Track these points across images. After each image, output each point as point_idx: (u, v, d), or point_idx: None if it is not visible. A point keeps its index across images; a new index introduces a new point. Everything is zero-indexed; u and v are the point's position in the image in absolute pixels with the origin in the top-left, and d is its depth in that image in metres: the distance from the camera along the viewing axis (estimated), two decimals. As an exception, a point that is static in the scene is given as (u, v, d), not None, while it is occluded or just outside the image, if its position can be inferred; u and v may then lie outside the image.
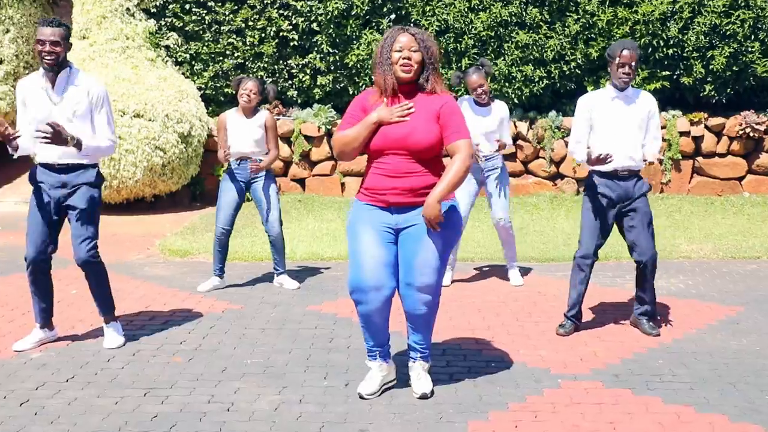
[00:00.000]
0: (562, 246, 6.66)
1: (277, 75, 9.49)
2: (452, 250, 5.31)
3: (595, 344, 4.10)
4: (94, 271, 4.03)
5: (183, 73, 9.45)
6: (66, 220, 4.03)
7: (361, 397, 3.37)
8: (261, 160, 5.25)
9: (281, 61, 9.47)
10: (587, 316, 4.60)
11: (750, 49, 8.79)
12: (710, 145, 9.12)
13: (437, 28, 9.04)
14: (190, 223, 7.93)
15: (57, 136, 3.71)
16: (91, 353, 3.99)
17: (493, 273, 5.78)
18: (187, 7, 9.40)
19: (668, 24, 8.83)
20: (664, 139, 8.98)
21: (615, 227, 4.34)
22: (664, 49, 8.85)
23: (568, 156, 8.99)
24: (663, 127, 8.97)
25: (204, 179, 9.31)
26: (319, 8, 9.12)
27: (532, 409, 3.26)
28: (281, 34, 9.35)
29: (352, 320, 4.50)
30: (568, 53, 8.99)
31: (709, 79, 8.93)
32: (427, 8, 9.08)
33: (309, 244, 6.82)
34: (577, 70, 9.07)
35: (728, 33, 8.75)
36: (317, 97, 9.50)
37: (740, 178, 9.21)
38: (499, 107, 5.31)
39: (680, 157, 9.09)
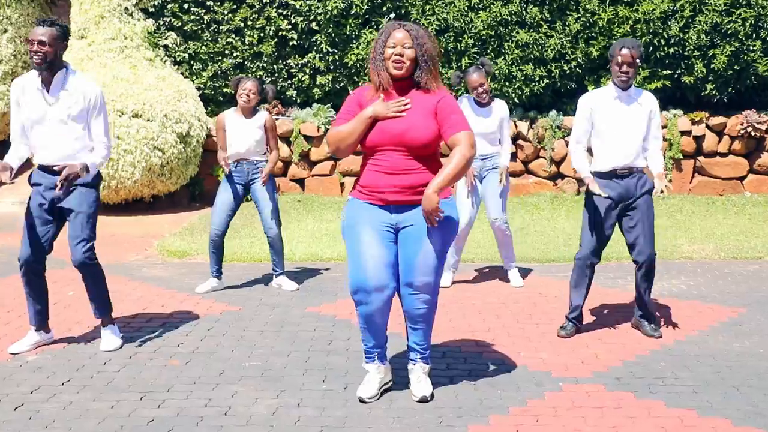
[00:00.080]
0: (562, 246, 6.62)
1: (277, 75, 9.45)
2: (458, 250, 5.34)
3: (597, 346, 4.06)
4: (91, 273, 3.99)
5: (182, 73, 9.41)
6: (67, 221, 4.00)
7: (362, 401, 3.33)
8: (258, 161, 5.22)
9: (280, 61, 9.43)
10: (588, 317, 4.56)
11: (751, 48, 8.75)
12: (711, 144, 9.08)
13: (437, 27, 8.99)
14: (189, 224, 7.89)
15: (73, 178, 3.72)
16: (87, 356, 3.95)
17: (494, 274, 5.74)
18: (186, 6, 9.36)
19: (669, 23, 8.79)
20: (665, 139, 8.93)
21: (614, 231, 4.30)
22: (665, 48, 8.81)
23: (569, 155, 8.94)
24: (664, 127, 8.93)
25: (203, 179, 9.27)
26: (318, 7, 9.08)
27: (534, 413, 3.22)
28: (280, 33, 9.31)
29: (351, 322, 4.46)
30: (569, 52, 8.95)
31: (710, 78, 8.89)
32: (427, 7, 9.04)
33: (308, 244, 6.78)
34: (577, 69, 9.03)
35: (729, 32, 8.71)
36: (317, 96, 9.46)
37: (741, 178, 9.17)
38: (500, 107, 5.26)
39: (681, 157, 9.05)
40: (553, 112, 9.14)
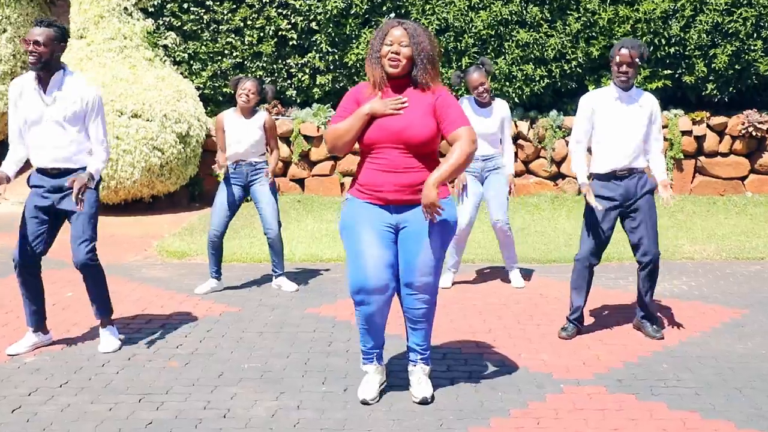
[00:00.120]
0: (563, 247, 6.60)
1: (276, 74, 9.43)
2: (458, 250, 5.32)
3: (598, 348, 4.04)
4: (93, 274, 3.97)
5: (181, 73, 9.38)
6: (67, 222, 3.98)
7: (365, 403, 3.30)
8: (257, 163, 5.19)
9: (280, 61, 9.40)
10: (589, 318, 4.54)
11: (752, 48, 8.72)
12: (712, 144, 9.05)
13: (437, 27, 8.97)
14: (189, 224, 7.87)
15: (82, 189, 3.72)
16: (85, 357, 3.93)
17: (494, 275, 5.72)
18: (186, 6, 9.33)
19: (670, 22, 8.76)
20: (666, 139, 8.91)
21: (619, 229, 4.28)
22: (666, 48, 8.78)
23: (569, 156, 8.92)
24: (665, 126, 8.90)
25: (202, 179, 9.24)
26: (318, 7, 9.05)
27: (535, 416, 3.19)
28: (280, 33, 9.29)
29: (351, 323, 4.44)
30: (569, 52, 8.92)
31: (711, 77, 8.86)
32: (427, 7, 9.02)
33: (308, 245, 6.75)
34: (578, 69, 9.00)
35: (730, 31, 8.68)
36: (316, 96, 9.44)
37: (743, 178, 9.14)
38: (500, 107, 5.24)
39: (682, 157, 9.02)
40: (553, 112, 9.12)
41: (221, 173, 5.08)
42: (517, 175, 9.08)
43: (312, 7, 9.08)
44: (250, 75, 9.22)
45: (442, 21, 8.96)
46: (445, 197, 3.24)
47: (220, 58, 9.40)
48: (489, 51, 9.00)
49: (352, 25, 9.08)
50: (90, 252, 3.90)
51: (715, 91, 8.92)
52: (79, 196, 3.70)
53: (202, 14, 9.32)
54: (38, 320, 4.04)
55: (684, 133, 9.00)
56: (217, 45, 9.36)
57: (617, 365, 3.77)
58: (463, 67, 8.82)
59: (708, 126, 9.04)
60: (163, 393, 3.46)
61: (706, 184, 9.10)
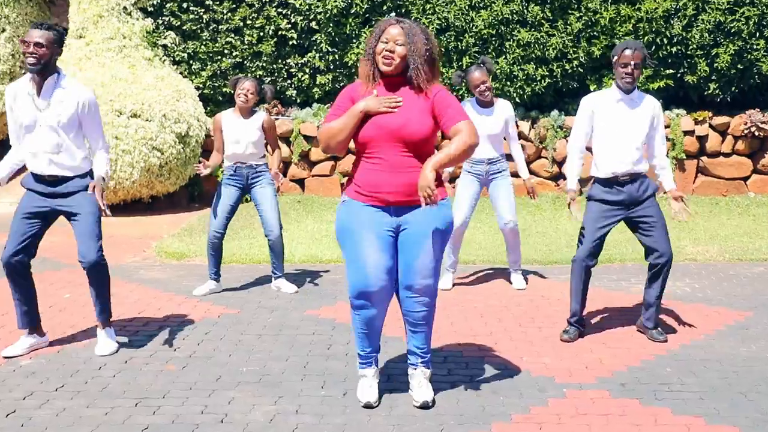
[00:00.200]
0: (565, 248, 6.55)
1: (276, 74, 9.38)
2: (455, 250, 5.28)
3: (601, 351, 3.99)
4: (101, 273, 3.94)
5: (181, 73, 9.34)
6: (66, 224, 3.98)
7: (368, 406, 3.25)
8: (257, 165, 5.14)
9: (280, 60, 9.36)
10: (592, 321, 4.49)
11: (755, 47, 8.67)
12: (715, 144, 9.00)
13: (438, 27, 8.92)
14: (188, 225, 7.82)
15: (102, 194, 3.81)
16: (82, 360, 3.88)
17: (495, 276, 5.67)
18: (185, 5, 9.29)
19: (672, 21, 8.71)
20: (668, 139, 8.86)
21: (619, 230, 4.23)
22: (668, 47, 8.73)
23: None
24: (667, 126, 8.85)
25: (202, 180, 9.20)
26: (318, 6, 9.00)
27: (537, 421, 3.14)
28: (280, 32, 9.24)
29: (351, 325, 4.38)
30: (571, 51, 8.87)
31: (713, 77, 8.81)
32: (428, 6, 8.97)
33: (308, 246, 6.71)
34: (579, 68, 8.95)
35: (733, 30, 8.63)
36: (316, 96, 9.39)
37: (745, 178, 9.09)
38: (503, 107, 5.18)
39: (684, 157, 8.97)
40: (554, 112, 9.07)
41: (201, 171, 4.98)
42: (519, 175, 9.01)
43: (312, 7, 9.04)
44: (249, 75, 9.18)
45: (443, 20, 8.91)
46: (443, 198, 3.21)
47: (219, 57, 9.36)
48: (490, 50, 8.95)
49: (353, 24, 9.03)
50: (100, 251, 3.89)
51: (717, 91, 8.87)
52: (102, 201, 3.77)
53: (201, 14, 9.28)
54: (30, 321, 3.99)
55: (686, 133, 8.95)
56: (217, 45, 9.31)
57: (620, 369, 3.72)
58: (464, 67, 8.77)
59: (710, 126, 8.99)
60: (160, 397, 3.42)
61: (709, 184, 9.05)
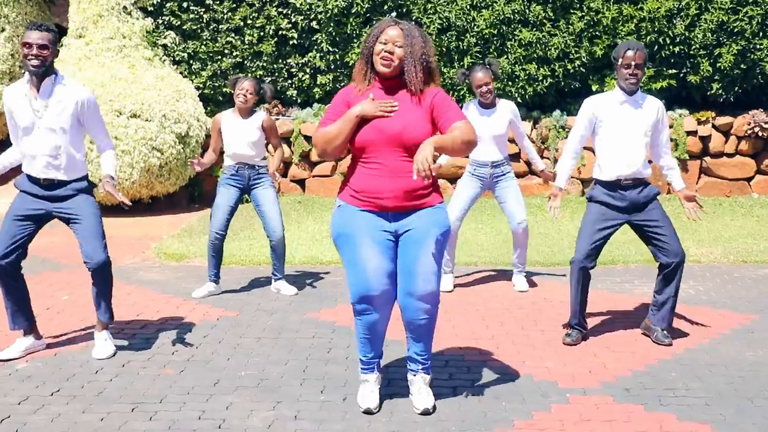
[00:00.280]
0: (567, 249, 6.49)
1: (277, 74, 9.33)
2: (450, 249, 5.22)
3: (604, 355, 3.93)
4: (107, 273, 3.91)
5: (181, 73, 9.29)
6: (58, 226, 3.94)
7: (368, 412, 3.20)
8: (259, 166, 5.10)
9: (280, 60, 9.31)
10: (595, 323, 4.44)
11: (758, 47, 8.61)
12: (718, 144, 8.94)
13: (439, 26, 8.87)
14: (188, 225, 7.77)
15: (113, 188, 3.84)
16: (78, 364, 3.83)
17: (497, 278, 5.61)
18: (185, 5, 9.25)
19: (674, 21, 8.66)
20: (671, 139, 8.78)
21: (621, 231, 4.18)
22: (671, 47, 8.68)
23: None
24: (669, 127, 8.78)
25: (202, 180, 9.15)
26: (318, 6, 8.95)
27: (539, 427, 3.09)
28: (280, 32, 9.19)
29: (351, 329, 4.34)
30: (573, 51, 8.81)
31: (716, 77, 8.75)
32: (429, 6, 8.92)
33: (308, 247, 6.66)
34: (581, 68, 8.89)
35: (736, 30, 8.57)
36: (317, 96, 9.34)
37: (749, 179, 9.03)
38: (506, 107, 5.13)
39: (687, 157, 8.91)
40: (556, 112, 9.02)
41: (194, 169, 4.95)
42: (521, 175, 8.97)
43: (313, 6, 8.98)
44: (249, 75, 9.13)
45: (444, 20, 8.86)
46: (440, 203, 3.18)
47: (220, 57, 9.31)
48: (491, 50, 8.90)
49: (353, 24, 8.98)
50: (106, 250, 3.87)
51: (720, 91, 8.81)
52: (120, 194, 3.81)
53: (201, 13, 9.24)
54: (24, 323, 3.94)
55: (689, 133, 8.89)
56: (217, 44, 9.26)
57: (624, 373, 3.66)
58: (465, 67, 8.72)
59: (713, 126, 8.94)
60: (157, 402, 3.37)
61: (712, 185, 8.99)
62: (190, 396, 3.43)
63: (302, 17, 9.08)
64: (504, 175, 5.15)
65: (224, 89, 9.29)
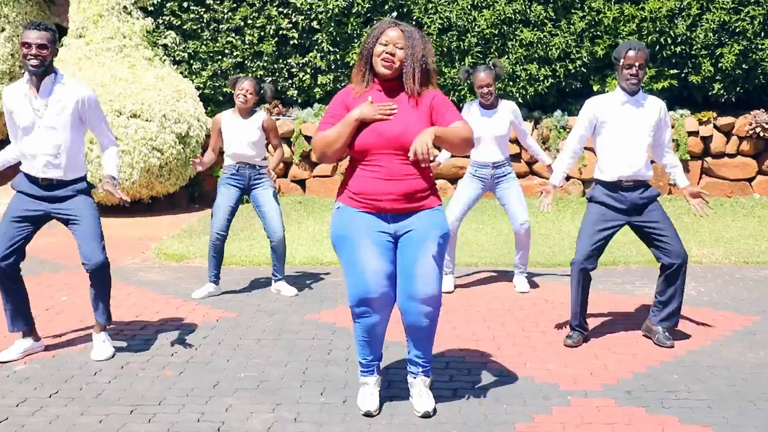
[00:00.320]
0: (568, 250, 6.47)
1: (277, 74, 9.32)
2: (450, 250, 5.21)
3: (606, 357, 3.91)
4: (105, 274, 3.89)
5: (181, 73, 9.28)
6: (58, 227, 3.92)
7: (369, 415, 3.18)
8: (260, 167, 5.08)
9: (281, 60, 9.29)
10: (596, 325, 4.42)
11: (760, 47, 8.58)
12: (719, 145, 8.92)
13: (440, 26, 8.85)
14: (188, 226, 7.76)
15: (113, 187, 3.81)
16: (77, 365, 3.81)
17: (498, 278, 5.60)
18: (185, 5, 9.23)
19: (676, 21, 8.63)
20: (672, 139, 8.78)
21: (623, 232, 4.16)
22: (672, 47, 8.65)
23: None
24: (671, 127, 8.77)
25: (202, 180, 9.14)
26: (319, 6, 8.93)
27: (541, 430, 3.07)
28: (281, 32, 9.17)
29: (351, 330, 4.32)
30: (574, 51, 8.79)
31: (718, 77, 8.73)
32: (430, 5, 8.90)
33: (309, 247, 6.64)
34: (582, 68, 8.88)
35: (738, 30, 8.55)
36: (318, 96, 9.32)
37: (750, 179, 9.01)
38: (507, 108, 5.11)
39: (689, 158, 8.89)
40: (557, 113, 9.00)
41: (197, 169, 4.92)
42: (522, 176, 8.95)
43: (313, 6, 8.97)
44: (250, 74, 9.11)
45: (445, 20, 8.84)
46: (439, 205, 3.17)
47: (220, 57, 9.29)
48: (492, 50, 8.88)
49: (354, 24, 8.96)
50: (105, 251, 3.85)
51: (722, 91, 8.79)
52: (120, 193, 3.79)
53: (202, 13, 9.22)
54: (23, 325, 3.92)
55: (690, 133, 8.87)
56: (218, 44, 9.25)
57: (626, 375, 3.64)
58: (469, 65, 8.69)
59: (715, 126, 8.91)
60: (156, 404, 3.35)
61: (713, 185, 8.97)
62: (189, 398, 3.41)
63: (303, 17, 9.07)
64: (505, 176, 5.13)
65: (224, 89, 9.28)
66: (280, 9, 9.14)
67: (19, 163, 3.92)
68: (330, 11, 8.88)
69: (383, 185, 3.07)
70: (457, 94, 8.97)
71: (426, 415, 3.17)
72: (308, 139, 9.08)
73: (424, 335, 3.20)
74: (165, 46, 9.27)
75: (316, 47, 9.13)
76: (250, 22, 9.16)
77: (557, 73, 8.87)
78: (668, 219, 4.04)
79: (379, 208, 3.10)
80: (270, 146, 5.23)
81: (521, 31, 8.77)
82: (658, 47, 8.64)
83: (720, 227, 7.41)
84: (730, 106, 8.99)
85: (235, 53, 9.25)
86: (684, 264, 4.00)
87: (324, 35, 9.03)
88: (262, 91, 5.18)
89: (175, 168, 8.37)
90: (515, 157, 8.88)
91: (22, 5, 9.84)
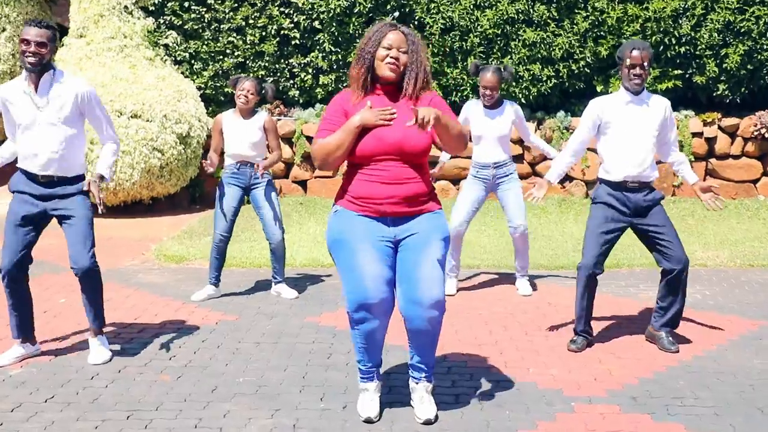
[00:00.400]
0: (571, 252, 6.41)
1: (279, 74, 9.27)
2: (455, 252, 5.16)
3: (610, 362, 3.85)
4: (94, 280, 3.84)
5: (182, 73, 9.23)
6: (58, 228, 3.87)
7: (369, 421, 3.12)
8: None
9: (282, 60, 9.24)
10: (600, 329, 4.36)
11: (765, 47, 8.51)
12: (724, 146, 8.85)
13: (442, 26, 8.79)
14: (188, 227, 7.71)
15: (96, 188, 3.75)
16: (74, 369, 3.76)
17: (500, 281, 5.54)
18: (187, 4, 9.18)
19: (680, 21, 8.57)
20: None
21: (626, 233, 4.10)
22: (676, 47, 8.59)
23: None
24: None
25: (203, 181, 9.09)
26: (321, 6, 8.88)
27: (544, 437, 3.01)
28: (282, 32, 9.12)
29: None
30: (577, 51, 8.73)
31: (722, 78, 8.66)
32: (432, 5, 8.84)
33: (310, 249, 6.58)
34: (586, 69, 8.81)
35: (742, 30, 8.48)
36: (319, 96, 9.27)
37: (755, 181, 8.93)
38: (509, 108, 5.07)
39: (693, 159, 8.82)
40: (561, 113, 8.93)
41: (208, 170, 4.87)
42: (524, 177, 8.89)
43: (315, 6, 8.92)
44: (251, 75, 9.06)
45: (447, 20, 8.78)
46: (439, 208, 3.13)
47: (221, 57, 9.25)
48: (495, 50, 8.82)
49: (356, 24, 8.91)
50: (94, 257, 3.79)
51: (726, 92, 8.72)
52: (99, 196, 3.71)
53: (203, 13, 9.17)
54: (25, 331, 3.88)
55: (694, 134, 8.81)
56: (219, 44, 9.20)
57: (631, 381, 3.58)
58: (481, 61, 8.63)
59: (719, 127, 8.85)
60: (153, 409, 3.29)
61: (718, 187, 8.88)
62: (186, 403, 3.36)
63: (304, 17, 9.02)
64: (507, 176, 5.08)
65: (226, 89, 9.23)
66: (282, 9, 9.09)
67: (15, 161, 3.87)
68: (332, 11, 8.83)
69: (384, 189, 3.02)
70: (459, 94, 8.91)
71: (428, 422, 3.11)
72: (309, 139, 9.03)
73: (428, 341, 3.14)
74: (166, 46, 9.23)
75: (318, 47, 9.08)
76: (251, 21, 9.11)
77: (560, 74, 8.81)
78: (670, 223, 3.98)
79: (380, 212, 3.05)
80: (268, 147, 5.17)
81: (524, 31, 8.71)
82: (662, 47, 8.58)
83: (725, 229, 7.35)
84: (735, 106, 8.92)
85: (236, 53, 9.21)
86: (685, 269, 3.93)
87: (326, 35, 8.98)
88: (263, 92, 5.13)
89: (175, 168, 8.32)
90: (518, 158, 8.82)
91: (23, 5, 9.80)
